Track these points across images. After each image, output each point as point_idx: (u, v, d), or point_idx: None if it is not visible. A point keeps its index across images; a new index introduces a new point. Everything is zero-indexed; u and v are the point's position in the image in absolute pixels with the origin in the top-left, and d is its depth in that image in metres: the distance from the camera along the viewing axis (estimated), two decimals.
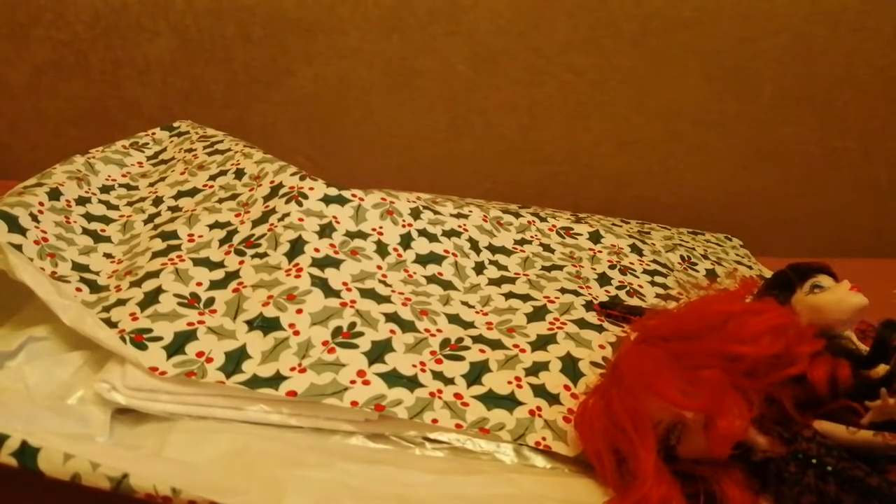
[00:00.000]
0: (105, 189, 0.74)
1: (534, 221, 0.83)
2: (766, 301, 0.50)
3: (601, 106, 1.09)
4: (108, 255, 0.65)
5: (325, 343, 0.55)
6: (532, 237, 0.79)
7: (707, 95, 1.07)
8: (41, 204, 0.65)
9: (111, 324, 0.54)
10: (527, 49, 1.06)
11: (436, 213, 0.76)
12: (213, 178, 0.75)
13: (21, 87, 1.12)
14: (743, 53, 1.03)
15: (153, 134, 0.86)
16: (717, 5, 1.01)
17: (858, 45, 1.01)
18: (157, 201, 0.73)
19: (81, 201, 0.70)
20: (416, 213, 0.74)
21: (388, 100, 1.11)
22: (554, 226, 0.84)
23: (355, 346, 0.56)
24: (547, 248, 0.78)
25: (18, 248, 0.59)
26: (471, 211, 0.79)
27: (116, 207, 0.72)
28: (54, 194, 0.67)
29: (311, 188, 0.70)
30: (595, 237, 0.84)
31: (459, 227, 0.76)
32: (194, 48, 1.09)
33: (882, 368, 0.45)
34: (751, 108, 1.07)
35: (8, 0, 1.08)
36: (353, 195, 0.71)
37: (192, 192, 0.73)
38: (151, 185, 0.76)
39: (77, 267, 0.62)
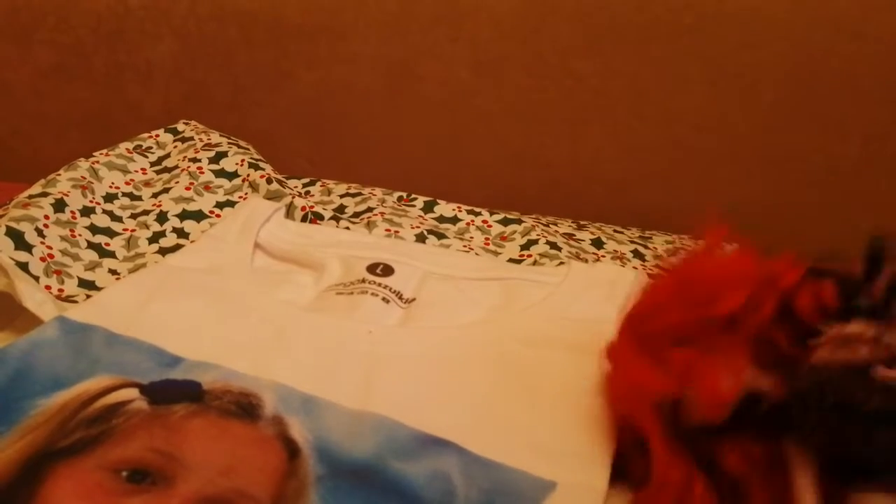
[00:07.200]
0: (109, 198, 0.74)
1: (536, 227, 0.83)
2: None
3: (602, 112, 1.09)
4: (112, 272, 0.66)
5: None
6: (538, 236, 0.78)
7: (708, 101, 1.07)
8: (46, 217, 0.65)
9: None
10: (528, 55, 1.07)
11: (440, 236, 0.77)
12: (220, 205, 0.75)
13: (24, 90, 1.13)
14: (744, 60, 1.04)
15: (156, 136, 0.85)
16: (719, 12, 1.01)
17: (859, 52, 1.01)
18: (161, 217, 0.73)
19: (86, 212, 0.70)
20: (421, 239, 0.75)
21: (390, 105, 1.12)
22: (556, 231, 0.84)
23: None
24: (553, 245, 0.77)
25: (25, 265, 0.59)
26: (472, 237, 0.79)
27: (120, 219, 0.72)
28: (59, 205, 0.67)
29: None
30: (597, 244, 0.84)
31: (464, 247, 0.76)
32: (197, 52, 1.09)
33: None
34: (752, 115, 1.07)
35: (11, 3, 1.08)
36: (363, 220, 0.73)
37: (198, 217, 0.73)
38: (155, 195, 0.76)
39: (83, 284, 0.63)
